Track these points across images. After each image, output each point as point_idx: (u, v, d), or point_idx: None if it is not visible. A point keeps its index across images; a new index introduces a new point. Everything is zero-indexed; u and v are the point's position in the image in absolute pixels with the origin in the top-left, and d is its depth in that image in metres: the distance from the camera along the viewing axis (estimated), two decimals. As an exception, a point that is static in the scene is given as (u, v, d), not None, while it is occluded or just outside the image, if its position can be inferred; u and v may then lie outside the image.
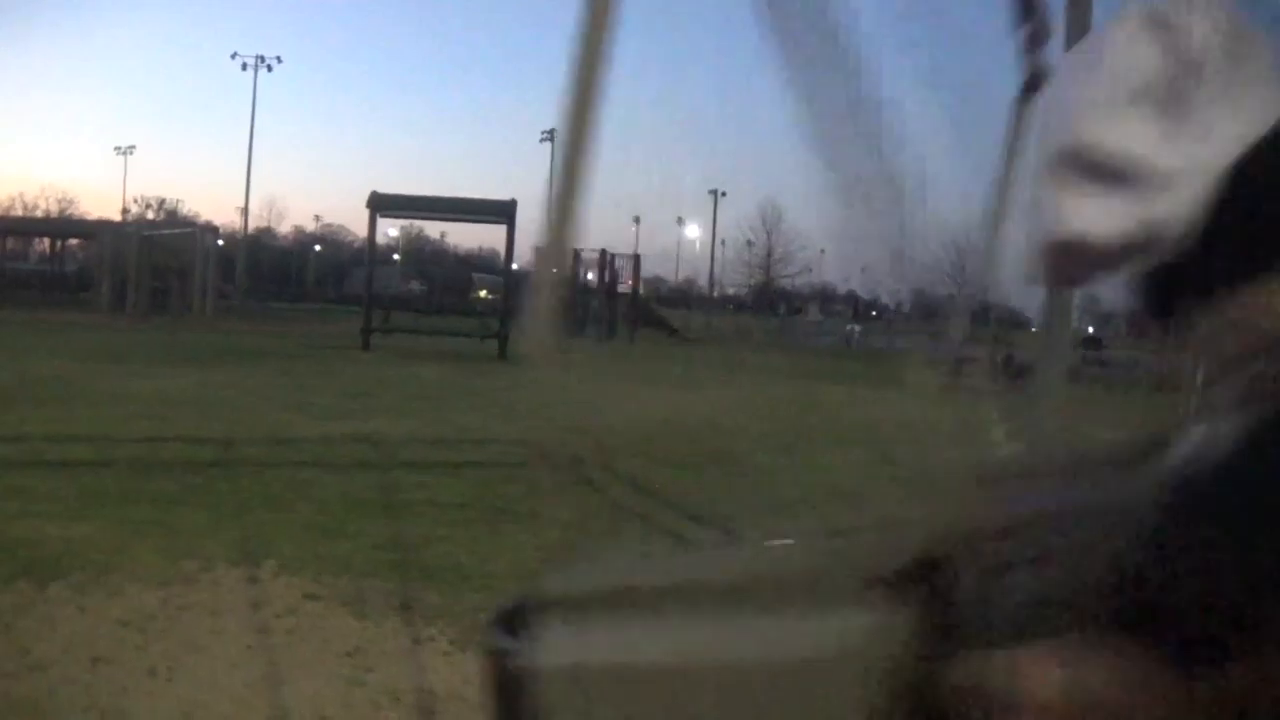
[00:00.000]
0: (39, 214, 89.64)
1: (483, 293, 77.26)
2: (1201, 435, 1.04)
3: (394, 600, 5.49)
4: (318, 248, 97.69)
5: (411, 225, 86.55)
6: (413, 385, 17.48)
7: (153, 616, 5.08)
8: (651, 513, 8.08)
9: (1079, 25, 4.86)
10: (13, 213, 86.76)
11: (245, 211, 73.05)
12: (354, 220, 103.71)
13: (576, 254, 41.05)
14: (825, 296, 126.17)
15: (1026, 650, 1.02)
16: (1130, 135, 1.05)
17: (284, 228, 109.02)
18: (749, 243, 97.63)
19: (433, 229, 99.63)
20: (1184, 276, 1.07)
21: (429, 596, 5.60)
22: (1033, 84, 1.87)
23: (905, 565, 1.17)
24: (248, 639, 4.87)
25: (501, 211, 27.52)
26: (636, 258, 47.56)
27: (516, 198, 27.55)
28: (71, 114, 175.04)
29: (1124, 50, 1.08)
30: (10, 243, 71.36)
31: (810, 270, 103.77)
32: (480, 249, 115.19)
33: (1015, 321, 20.87)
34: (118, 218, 72.37)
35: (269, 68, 67.10)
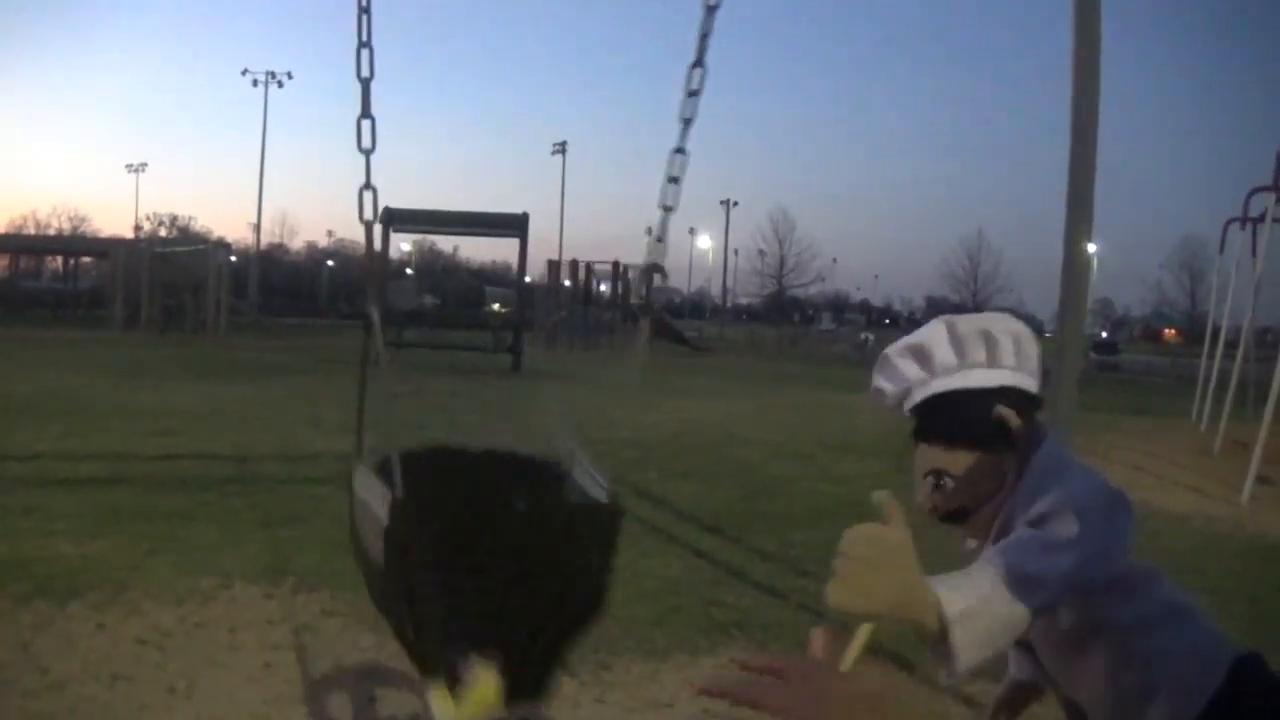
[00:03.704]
0: (52, 232, 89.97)
1: (496, 306, 77.25)
2: None
3: (412, 615, 5.47)
4: (330, 263, 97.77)
5: (424, 239, 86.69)
6: (427, 399, 17.45)
7: (170, 634, 5.07)
8: (667, 525, 8.05)
9: (1087, 36, 4.84)
10: (25, 231, 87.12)
11: (258, 227, 73.22)
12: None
13: (589, 266, 40.63)
14: (838, 305, 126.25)
15: None
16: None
17: (296, 243, 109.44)
18: (761, 252, 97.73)
19: (445, 243, 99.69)
20: None
21: (446, 611, 5.57)
22: None
23: None
24: (266, 656, 4.86)
25: (514, 225, 27.48)
26: (649, 269, 47.40)
27: (529, 211, 27.52)
28: (83, 132, 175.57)
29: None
30: (23, 261, 71.65)
31: (823, 279, 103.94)
32: (494, 262, 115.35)
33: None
34: (130, 235, 72.65)
35: (280, 84, 66.99)
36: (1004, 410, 1.59)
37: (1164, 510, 9.84)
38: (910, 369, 1.70)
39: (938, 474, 1.64)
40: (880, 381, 1.76)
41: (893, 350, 1.74)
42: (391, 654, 4.95)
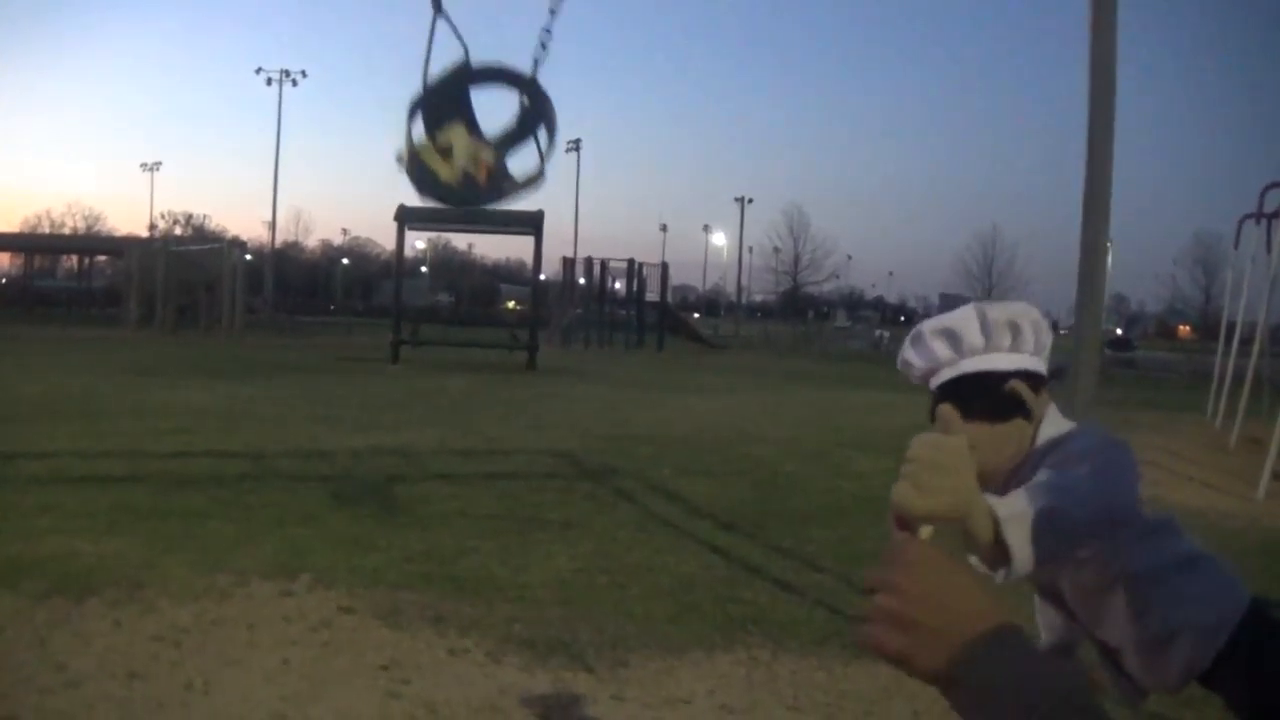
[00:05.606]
0: (66, 231, 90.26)
1: (511, 303, 77.35)
2: None
3: (428, 612, 5.47)
4: (345, 261, 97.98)
5: (439, 237, 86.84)
6: (442, 397, 17.49)
7: (187, 631, 5.07)
8: (682, 522, 8.05)
9: (1103, 32, 4.80)
10: (40, 230, 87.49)
11: (272, 225, 73.33)
12: (381, 233, 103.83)
13: (604, 264, 40.73)
14: (853, 302, 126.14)
15: None
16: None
17: (311, 241, 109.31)
18: (776, 249, 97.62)
19: (460, 240, 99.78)
20: None
21: (463, 608, 5.58)
22: None
23: None
24: (283, 652, 4.86)
25: (529, 222, 27.46)
26: (664, 266, 47.56)
27: (543, 208, 27.50)
28: (97, 131, 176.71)
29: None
30: (38, 260, 71.93)
31: (838, 276, 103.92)
32: (508, 260, 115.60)
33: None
34: (145, 234, 72.94)
35: (294, 82, 67.00)
36: (1019, 385, 1.75)
37: (1178, 506, 9.78)
38: (941, 349, 1.83)
39: None
40: (910, 355, 1.91)
41: (926, 328, 1.89)
42: (407, 649, 4.96)
